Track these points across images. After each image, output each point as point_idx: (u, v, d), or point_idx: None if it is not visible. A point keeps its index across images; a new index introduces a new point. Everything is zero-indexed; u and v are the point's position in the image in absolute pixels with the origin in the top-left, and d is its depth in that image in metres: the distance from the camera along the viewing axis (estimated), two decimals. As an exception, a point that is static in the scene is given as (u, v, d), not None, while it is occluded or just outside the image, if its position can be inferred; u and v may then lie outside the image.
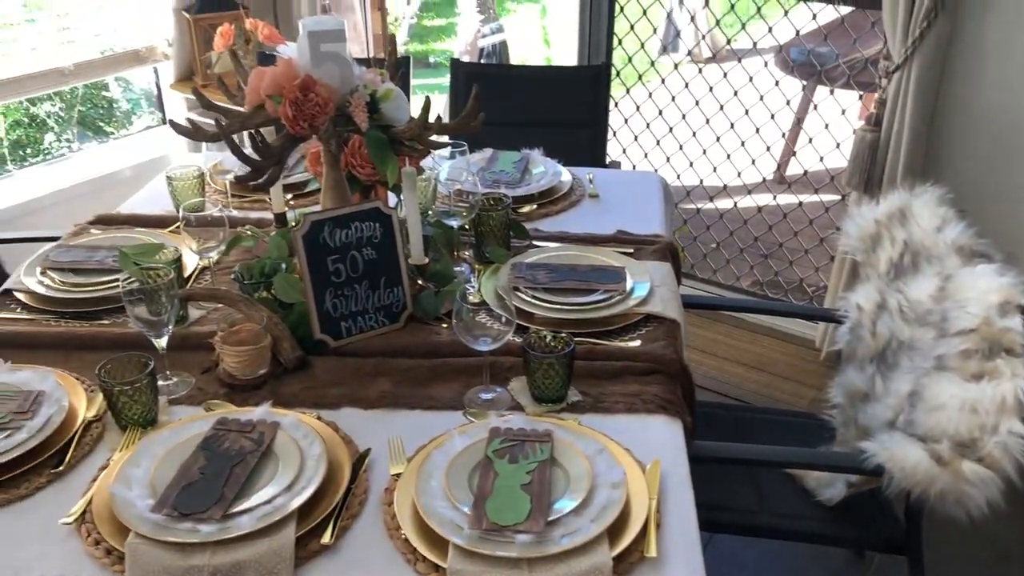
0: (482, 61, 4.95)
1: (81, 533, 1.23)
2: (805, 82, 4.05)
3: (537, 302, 1.73)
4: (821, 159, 3.15)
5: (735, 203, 3.47)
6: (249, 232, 1.90)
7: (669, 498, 1.29)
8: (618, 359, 1.59)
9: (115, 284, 1.80)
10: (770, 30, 3.17)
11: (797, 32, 3.19)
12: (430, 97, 1.55)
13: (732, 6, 3.27)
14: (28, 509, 1.29)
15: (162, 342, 1.52)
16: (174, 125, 1.64)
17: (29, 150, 3.93)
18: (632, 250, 1.96)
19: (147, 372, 1.42)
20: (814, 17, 3.19)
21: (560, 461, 1.32)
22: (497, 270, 1.86)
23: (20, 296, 1.79)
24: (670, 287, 1.82)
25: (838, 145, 3.16)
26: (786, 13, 3.14)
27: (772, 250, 3.44)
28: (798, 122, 4.14)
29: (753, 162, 3.38)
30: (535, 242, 2.00)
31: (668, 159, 3.55)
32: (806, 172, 3.24)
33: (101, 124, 4.26)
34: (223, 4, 3.74)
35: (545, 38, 8.18)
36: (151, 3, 3.77)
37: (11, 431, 1.38)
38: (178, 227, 2.06)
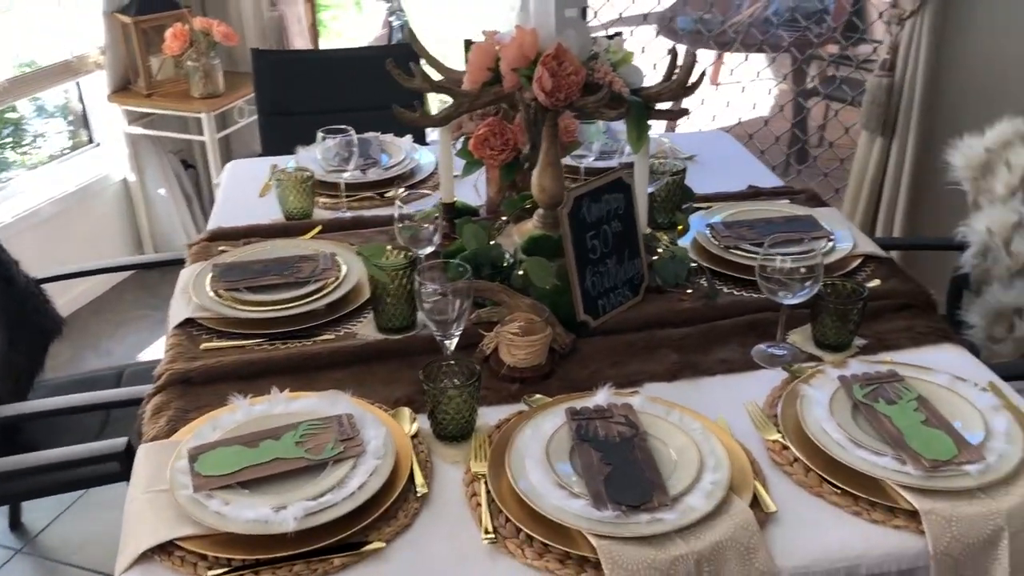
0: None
1: (508, 548, 1.13)
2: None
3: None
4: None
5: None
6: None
7: (1024, 414, 1.35)
8: (870, 300, 1.63)
9: (311, 297, 1.63)
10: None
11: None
12: (693, 52, 1.50)
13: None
14: (416, 541, 1.16)
15: (451, 344, 1.40)
16: (398, 112, 1.50)
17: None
18: (788, 201, 2.01)
19: (473, 378, 1.30)
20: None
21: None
22: (683, 233, 1.85)
23: (207, 323, 1.58)
24: (856, 228, 1.88)
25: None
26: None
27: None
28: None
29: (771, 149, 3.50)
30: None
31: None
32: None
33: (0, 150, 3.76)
34: (160, 4, 3.41)
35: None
36: (72, 8, 3.39)
37: (352, 458, 1.23)
38: (319, 232, 1.89)
